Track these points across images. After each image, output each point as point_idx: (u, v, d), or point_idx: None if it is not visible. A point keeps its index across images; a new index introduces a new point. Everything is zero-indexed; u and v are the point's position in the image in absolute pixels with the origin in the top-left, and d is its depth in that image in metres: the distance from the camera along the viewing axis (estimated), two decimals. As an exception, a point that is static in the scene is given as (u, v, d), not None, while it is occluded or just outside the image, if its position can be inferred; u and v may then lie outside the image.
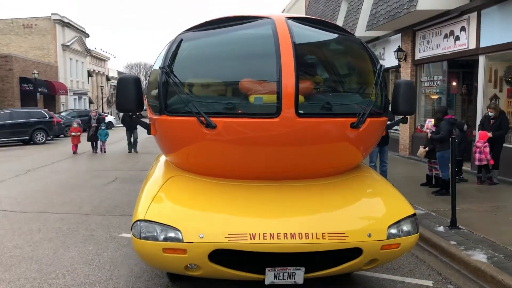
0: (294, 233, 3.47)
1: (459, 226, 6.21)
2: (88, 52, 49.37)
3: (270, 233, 3.45)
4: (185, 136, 3.82)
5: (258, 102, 3.68)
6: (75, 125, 17.31)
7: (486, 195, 8.41)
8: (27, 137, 21.45)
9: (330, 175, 4.17)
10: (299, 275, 3.63)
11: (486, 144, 8.88)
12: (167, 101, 3.82)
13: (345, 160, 4.14)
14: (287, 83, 3.51)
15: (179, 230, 3.45)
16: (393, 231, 3.69)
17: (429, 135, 8.60)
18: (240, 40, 4.05)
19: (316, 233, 3.49)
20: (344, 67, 4.42)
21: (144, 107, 4.25)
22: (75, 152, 16.80)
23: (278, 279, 3.62)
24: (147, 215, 3.57)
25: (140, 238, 3.51)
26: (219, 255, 3.51)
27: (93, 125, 17.03)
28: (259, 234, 3.44)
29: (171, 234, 3.47)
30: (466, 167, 10.65)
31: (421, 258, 5.42)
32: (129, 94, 4.00)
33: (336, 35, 4.30)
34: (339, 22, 18.58)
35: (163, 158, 4.86)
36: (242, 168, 3.90)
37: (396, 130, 15.52)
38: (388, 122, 4.65)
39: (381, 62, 15.13)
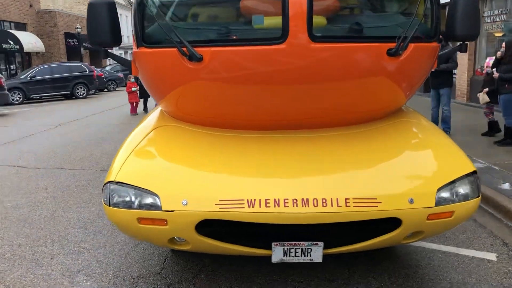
0: (307, 199, 2.60)
1: (530, 183, 5.10)
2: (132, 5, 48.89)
3: (275, 199, 2.60)
4: (168, 74, 2.96)
5: (258, 23, 2.73)
6: (132, 79, 13.68)
7: None
8: (68, 92, 21.41)
9: (361, 122, 3.20)
10: (317, 252, 2.78)
11: None
12: (144, 29, 2.96)
13: (381, 102, 3.14)
14: None
15: (157, 196, 2.67)
16: (445, 195, 2.73)
17: (495, 74, 7.19)
18: None
19: (337, 199, 2.61)
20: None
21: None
22: (135, 114, 13.59)
23: (289, 256, 2.80)
24: (119, 175, 2.81)
25: (110, 205, 2.77)
26: (216, 226, 2.73)
27: None
28: (260, 200, 2.60)
29: (147, 201, 2.69)
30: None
31: (480, 222, 4.41)
32: (102, 23, 3.14)
33: None
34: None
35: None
36: (242, 114, 3.01)
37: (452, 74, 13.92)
38: (443, 51, 3.56)
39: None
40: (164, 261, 3.66)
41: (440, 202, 2.71)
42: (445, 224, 2.81)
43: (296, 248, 2.77)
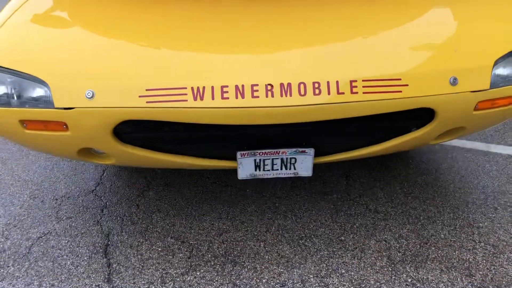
0: (290, 84, 1.60)
1: None
2: None
3: (237, 86, 1.60)
4: None
5: None
6: None
7: None
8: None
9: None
10: (304, 162, 1.86)
11: None
12: None
13: None
14: None
15: (46, 85, 1.65)
16: (504, 71, 1.75)
17: None
18: None
19: (337, 82, 1.61)
20: None
21: None
22: None
23: (264, 170, 1.88)
24: (-13, 53, 1.75)
25: (-25, 101, 1.75)
26: (150, 128, 1.76)
27: None
28: (213, 87, 1.60)
29: (32, 93, 1.67)
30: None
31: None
32: None
33: None
34: None
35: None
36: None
37: None
38: None
39: None
40: (103, 173, 2.75)
41: (497, 82, 1.73)
42: (498, 116, 1.87)
43: (273, 159, 1.84)
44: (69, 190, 2.57)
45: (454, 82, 1.66)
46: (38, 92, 1.66)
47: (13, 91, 1.68)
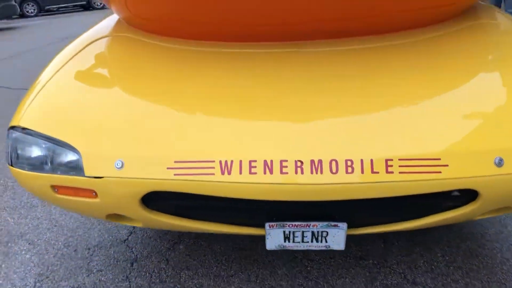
0: (320, 161, 1.53)
1: None
2: None
3: (266, 161, 1.55)
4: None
5: None
6: None
7: None
8: (84, 2, 20.08)
9: (412, 26, 2.01)
10: (337, 236, 1.77)
11: None
12: None
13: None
14: None
15: (78, 152, 1.66)
16: (557, 151, 1.61)
17: None
18: None
19: (372, 160, 1.53)
20: None
21: None
22: None
23: (293, 242, 1.81)
24: (25, 118, 1.80)
25: (12, 164, 1.79)
26: (177, 197, 1.74)
27: None
28: (241, 162, 1.56)
29: (64, 159, 1.69)
30: None
31: None
32: None
33: None
34: None
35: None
36: (223, 14, 1.87)
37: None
38: None
39: None
40: (136, 221, 2.75)
41: (548, 163, 1.59)
42: (549, 196, 1.72)
43: (303, 231, 1.77)
44: (102, 239, 2.58)
45: (499, 163, 1.54)
46: (70, 159, 1.67)
47: (46, 157, 1.71)
